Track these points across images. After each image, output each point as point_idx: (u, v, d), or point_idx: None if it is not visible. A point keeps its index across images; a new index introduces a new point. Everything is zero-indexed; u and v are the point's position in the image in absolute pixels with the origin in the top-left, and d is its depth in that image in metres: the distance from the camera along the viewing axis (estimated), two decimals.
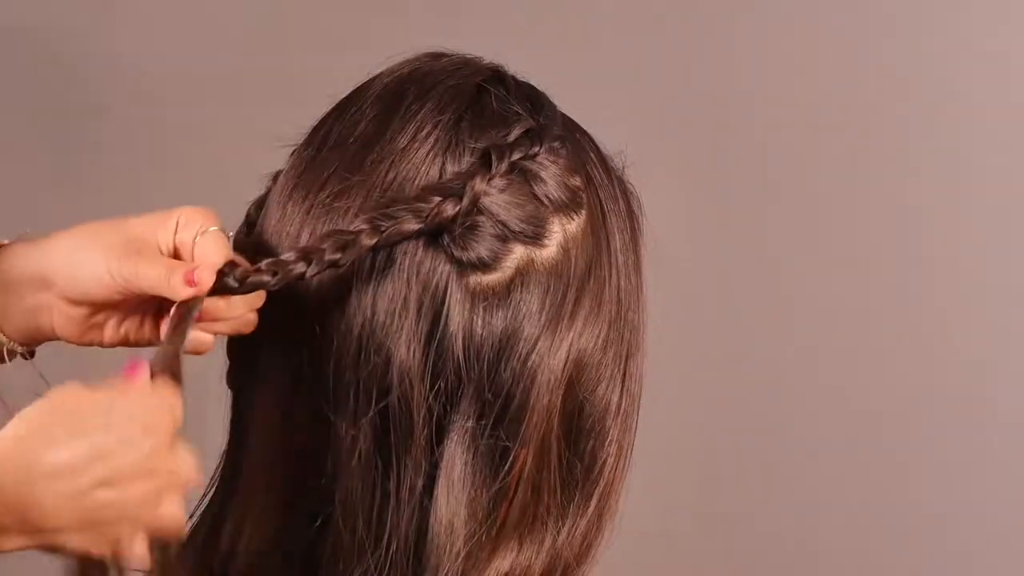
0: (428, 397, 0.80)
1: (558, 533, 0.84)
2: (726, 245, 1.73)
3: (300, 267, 0.80)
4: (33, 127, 1.88)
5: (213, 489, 0.87)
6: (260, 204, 0.87)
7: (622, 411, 0.86)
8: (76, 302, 0.86)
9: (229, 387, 0.87)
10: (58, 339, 0.88)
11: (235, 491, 0.85)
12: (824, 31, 1.69)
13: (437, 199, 0.80)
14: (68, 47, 1.85)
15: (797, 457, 1.75)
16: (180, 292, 0.81)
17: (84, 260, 0.85)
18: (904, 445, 1.72)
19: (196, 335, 0.82)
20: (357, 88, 0.87)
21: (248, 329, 0.83)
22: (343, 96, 0.87)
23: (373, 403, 0.80)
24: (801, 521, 1.75)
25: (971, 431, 1.69)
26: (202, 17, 1.84)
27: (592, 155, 0.87)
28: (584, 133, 0.88)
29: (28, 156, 1.88)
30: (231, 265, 0.81)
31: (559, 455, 0.83)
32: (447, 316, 0.79)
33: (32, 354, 0.90)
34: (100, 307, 0.86)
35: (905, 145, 1.68)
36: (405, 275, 0.80)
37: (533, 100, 0.86)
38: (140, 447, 0.75)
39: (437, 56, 0.87)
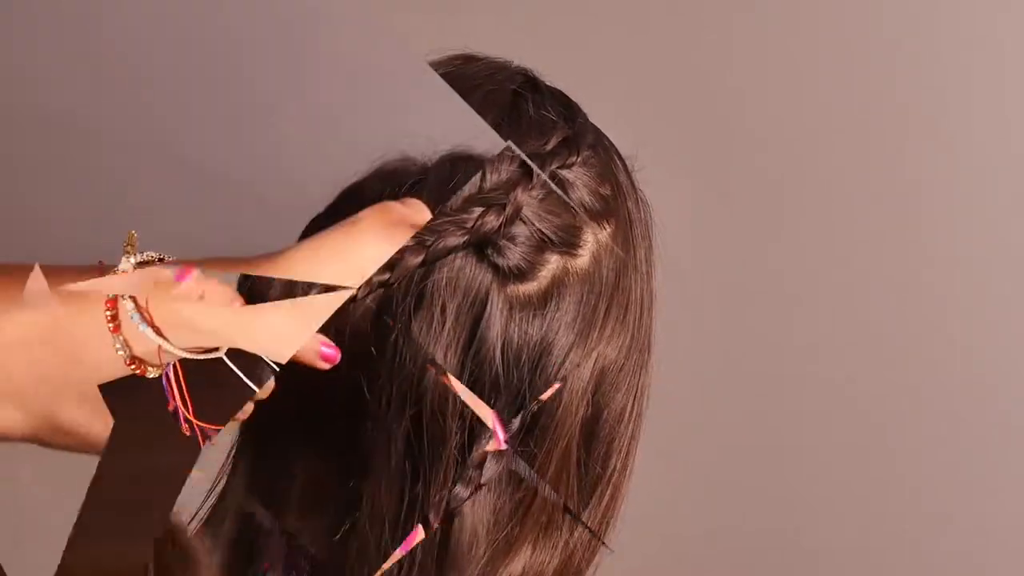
0: (462, 404, 0.80)
1: (571, 535, 0.84)
2: (727, 248, 1.73)
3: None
4: (33, 127, 1.87)
5: (224, 483, 0.86)
6: None
7: (633, 417, 0.86)
8: None
9: None
10: None
11: (254, 487, 0.85)
12: (829, 33, 1.69)
13: (480, 210, 0.79)
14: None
15: (805, 461, 1.75)
16: None
17: None
18: (921, 451, 1.72)
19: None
20: None
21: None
22: None
23: (407, 409, 0.80)
24: (807, 525, 1.75)
25: (974, 434, 1.70)
26: (202, 15, 1.83)
27: (619, 163, 0.87)
28: (609, 140, 0.88)
29: (27, 156, 1.87)
30: None
31: (578, 460, 0.84)
32: (486, 323, 0.79)
33: None
34: None
35: (911, 148, 1.68)
36: (444, 281, 0.80)
37: (566, 107, 0.86)
38: None
39: (469, 59, 0.88)
